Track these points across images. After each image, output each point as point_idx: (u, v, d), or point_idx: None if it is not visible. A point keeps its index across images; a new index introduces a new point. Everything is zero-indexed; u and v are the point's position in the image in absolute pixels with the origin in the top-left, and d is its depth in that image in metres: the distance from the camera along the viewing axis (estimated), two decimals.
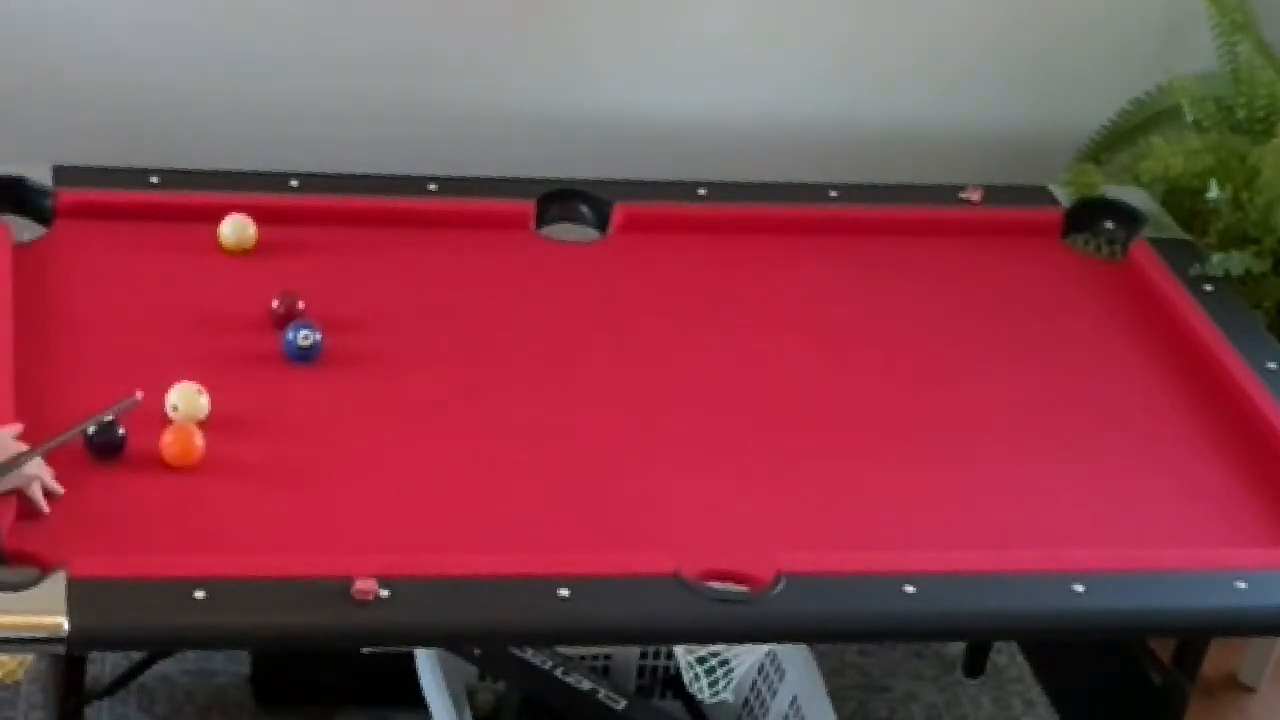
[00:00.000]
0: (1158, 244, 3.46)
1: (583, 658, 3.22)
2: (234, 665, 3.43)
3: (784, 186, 3.50)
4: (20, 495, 2.57)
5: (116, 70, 3.67)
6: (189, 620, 2.46)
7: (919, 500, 2.83)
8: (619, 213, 3.38)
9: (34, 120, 3.63)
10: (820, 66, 3.93)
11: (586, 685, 3.13)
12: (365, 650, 2.97)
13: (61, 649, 2.44)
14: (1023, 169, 3.82)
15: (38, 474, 2.58)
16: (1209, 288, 3.36)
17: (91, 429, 2.67)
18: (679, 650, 3.09)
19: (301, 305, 3.01)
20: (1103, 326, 3.29)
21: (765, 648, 3.21)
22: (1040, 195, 3.58)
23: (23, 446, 2.59)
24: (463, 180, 3.39)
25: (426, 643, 2.95)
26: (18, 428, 2.64)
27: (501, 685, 3.26)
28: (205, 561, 2.52)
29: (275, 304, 3.01)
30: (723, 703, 3.16)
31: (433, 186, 3.37)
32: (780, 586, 2.60)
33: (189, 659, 3.42)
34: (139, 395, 2.69)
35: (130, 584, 2.47)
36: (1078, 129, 3.98)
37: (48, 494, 2.59)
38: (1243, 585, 2.70)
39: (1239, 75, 3.85)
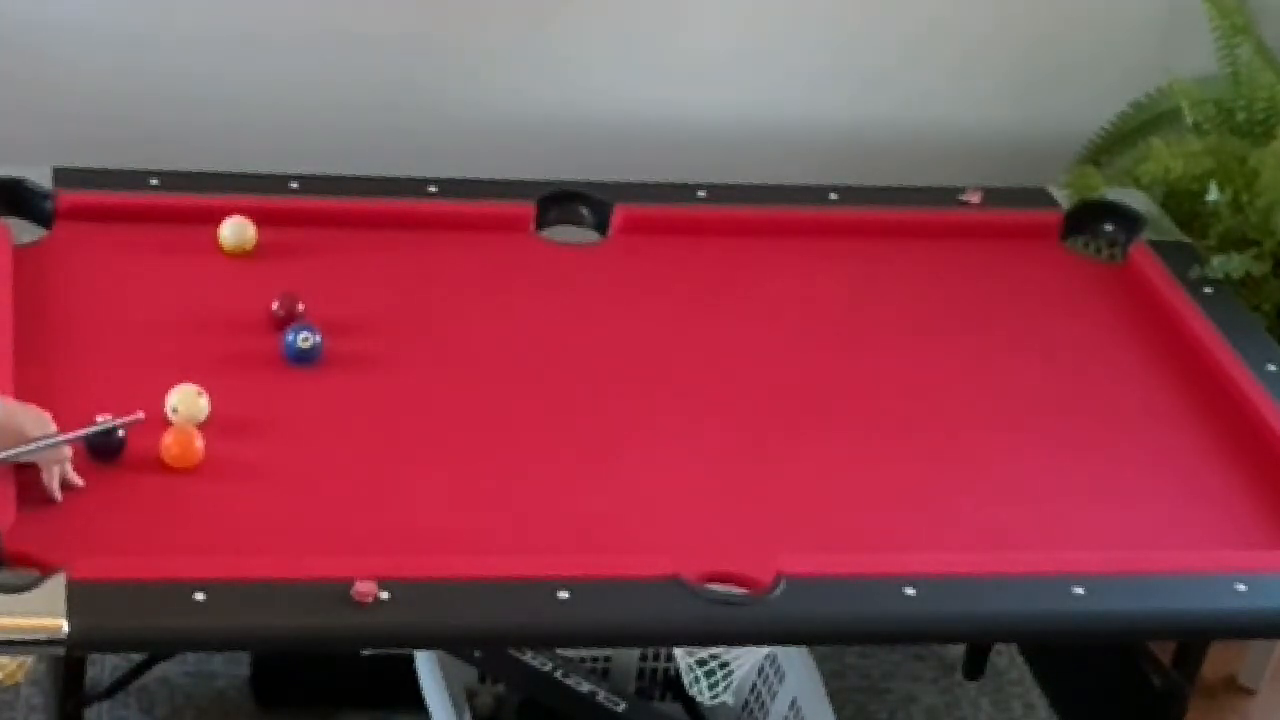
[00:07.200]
0: (1157, 246, 3.46)
1: (582, 660, 3.22)
2: (234, 667, 3.43)
3: (784, 189, 3.50)
4: (25, 488, 2.57)
5: (116, 72, 3.67)
6: (189, 622, 2.46)
7: (919, 502, 2.83)
8: (619, 215, 3.38)
9: (34, 122, 3.63)
10: (821, 69, 3.93)
11: (586, 687, 3.13)
12: (365, 652, 2.97)
13: (61, 651, 2.43)
14: (1022, 171, 3.82)
15: (66, 458, 2.60)
16: (1209, 290, 3.36)
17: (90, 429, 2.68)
18: (679, 652, 3.09)
19: (301, 307, 3.01)
20: (1102, 329, 3.29)
21: (765, 650, 3.21)
22: (1040, 197, 3.58)
23: (54, 427, 2.61)
24: (462, 182, 3.39)
25: (426, 645, 2.95)
26: None
27: (501, 687, 3.26)
28: (205, 563, 2.52)
29: (275, 306, 3.01)
30: (722, 705, 3.16)
31: (432, 189, 3.37)
32: (780, 588, 2.60)
33: (189, 661, 3.42)
34: (141, 414, 2.70)
35: (130, 586, 2.47)
36: (1077, 131, 3.98)
37: (65, 485, 2.61)
38: (1242, 587, 2.70)
39: (1239, 78, 3.85)
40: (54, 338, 2.92)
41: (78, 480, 2.63)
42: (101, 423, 2.67)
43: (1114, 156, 3.96)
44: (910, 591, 2.62)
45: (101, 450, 2.68)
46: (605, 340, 3.11)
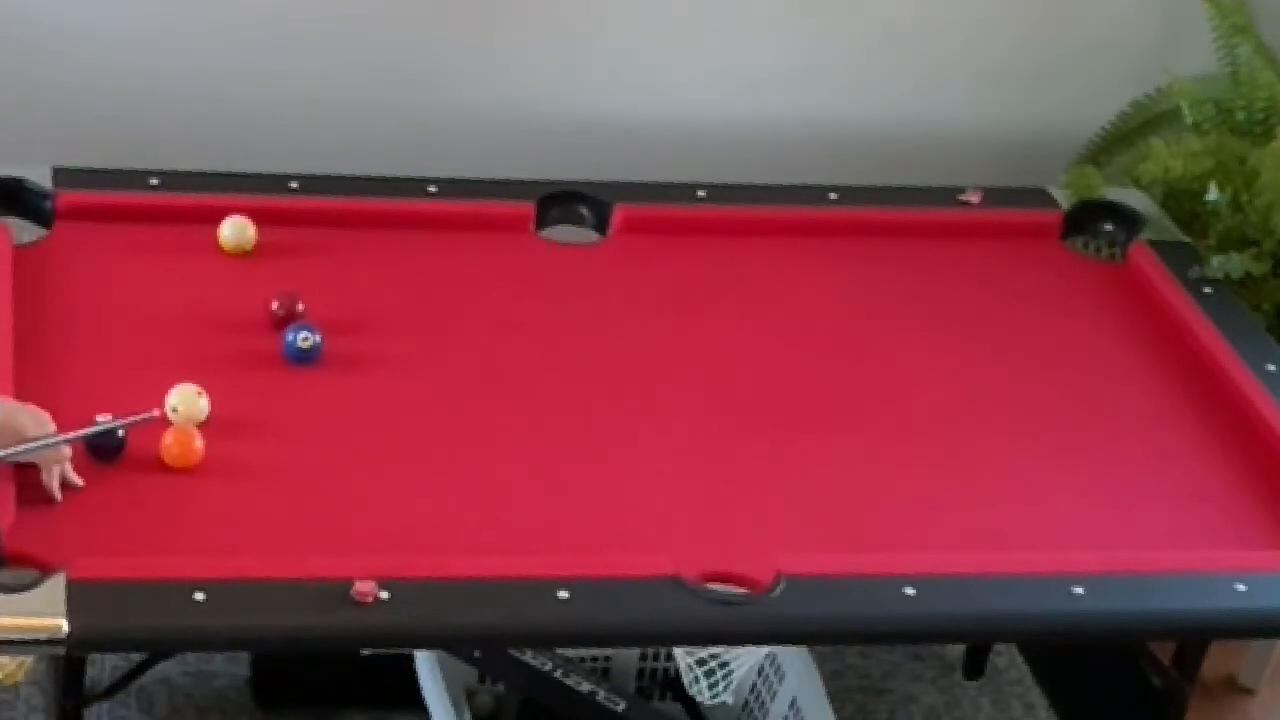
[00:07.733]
0: (1157, 246, 3.46)
1: (582, 660, 3.22)
2: (233, 667, 3.43)
3: (784, 188, 3.50)
4: (25, 488, 2.57)
5: (116, 72, 3.67)
6: (189, 622, 2.46)
7: (919, 502, 2.83)
8: (619, 214, 3.38)
9: (34, 122, 3.63)
10: (820, 68, 3.93)
11: (586, 687, 3.13)
12: (365, 652, 2.96)
13: (61, 651, 2.43)
14: (1022, 171, 3.82)
15: (66, 458, 2.60)
16: (1208, 290, 3.36)
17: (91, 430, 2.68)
18: (679, 652, 3.09)
19: (301, 307, 3.01)
20: (1102, 329, 3.29)
21: (765, 649, 3.21)
22: (1040, 197, 3.58)
23: (54, 427, 2.61)
24: (462, 182, 3.39)
25: (426, 644, 2.95)
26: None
27: (501, 687, 3.26)
28: (205, 563, 2.52)
29: (275, 305, 3.01)
30: (722, 705, 3.16)
31: (432, 188, 3.37)
32: (780, 588, 2.60)
33: (188, 661, 3.42)
34: (156, 412, 2.70)
35: (130, 586, 2.47)
36: (1077, 131, 3.98)
37: (65, 484, 2.61)
38: (1242, 587, 2.70)
39: (1239, 77, 3.85)
40: (54, 338, 2.92)
41: (78, 480, 2.63)
42: (103, 422, 2.68)
43: (1114, 156, 3.96)
44: (910, 591, 2.62)
45: (101, 450, 2.68)
46: (605, 340, 3.11)
